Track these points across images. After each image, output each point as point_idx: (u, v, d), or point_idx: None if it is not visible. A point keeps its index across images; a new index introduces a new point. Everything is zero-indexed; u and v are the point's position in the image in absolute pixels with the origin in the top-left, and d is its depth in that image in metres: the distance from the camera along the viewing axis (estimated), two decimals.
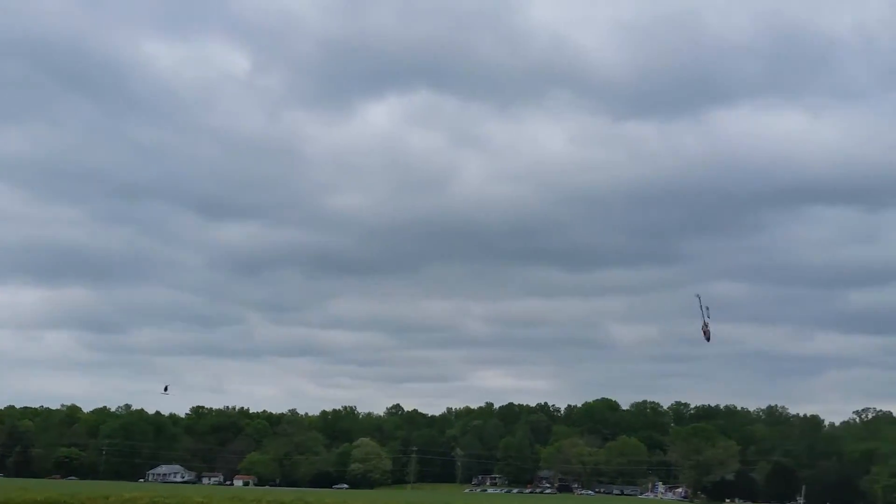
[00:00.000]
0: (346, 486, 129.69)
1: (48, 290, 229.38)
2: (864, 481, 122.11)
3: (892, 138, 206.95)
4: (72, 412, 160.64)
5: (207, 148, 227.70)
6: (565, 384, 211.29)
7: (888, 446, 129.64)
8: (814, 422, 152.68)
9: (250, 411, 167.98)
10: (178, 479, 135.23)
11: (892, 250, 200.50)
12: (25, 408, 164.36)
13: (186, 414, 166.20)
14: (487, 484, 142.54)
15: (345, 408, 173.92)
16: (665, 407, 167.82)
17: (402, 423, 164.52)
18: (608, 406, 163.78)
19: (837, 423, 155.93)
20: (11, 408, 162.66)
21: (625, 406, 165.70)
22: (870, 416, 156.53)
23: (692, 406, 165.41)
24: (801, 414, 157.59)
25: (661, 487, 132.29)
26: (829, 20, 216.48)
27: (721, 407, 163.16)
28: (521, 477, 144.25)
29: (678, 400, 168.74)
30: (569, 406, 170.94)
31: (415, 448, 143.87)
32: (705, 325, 31.41)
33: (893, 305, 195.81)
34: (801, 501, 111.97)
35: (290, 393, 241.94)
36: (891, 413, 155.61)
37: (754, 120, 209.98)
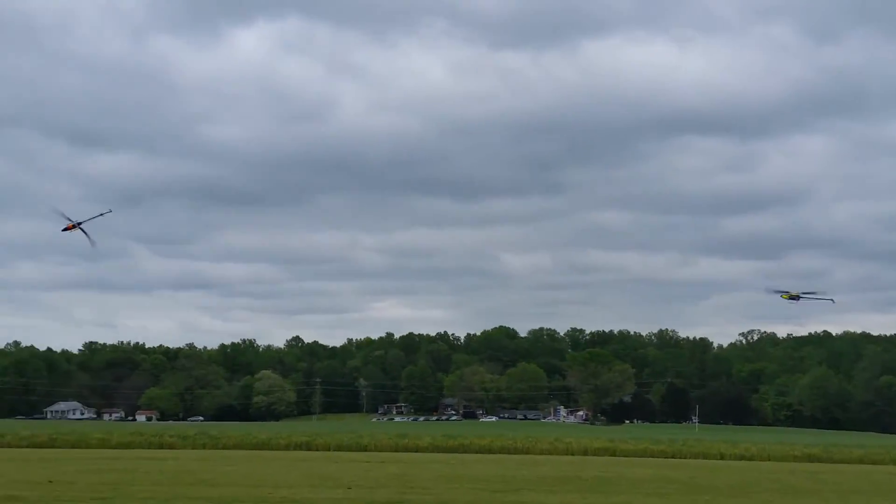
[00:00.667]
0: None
1: None
2: (753, 399, 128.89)
3: (755, 69, 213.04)
4: None
5: (70, 75, 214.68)
6: (462, 313, 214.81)
7: (773, 366, 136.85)
8: (703, 344, 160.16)
9: (146, 346, 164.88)
10: (77, 415, 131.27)
11: (764, 178, 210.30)
12: None
13: (79, 350, 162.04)
14: (394, 413, 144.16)
15: (244, 341, 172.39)
16: (561, 333, 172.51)
17: (302, 354, 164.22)
18: (506, 334, 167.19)
19: (725, 345, 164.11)
20: None
21: (522, 333, 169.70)
22: (755, 337, 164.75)
23: (587, 332, 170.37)
24: (690, 337, 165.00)
25: (562, 411, 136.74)
26: None
27: (615, 332, 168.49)
28: (426, 405, 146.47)
29: (573, 326, 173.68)
30: (468, 335, 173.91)
31: (318, 380, 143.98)
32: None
33: (769, 231, 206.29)
34: (695, 420, 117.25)
35: (185, 327, 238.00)
36: (774, 334, 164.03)
37: (625, 51, 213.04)
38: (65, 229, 34.11)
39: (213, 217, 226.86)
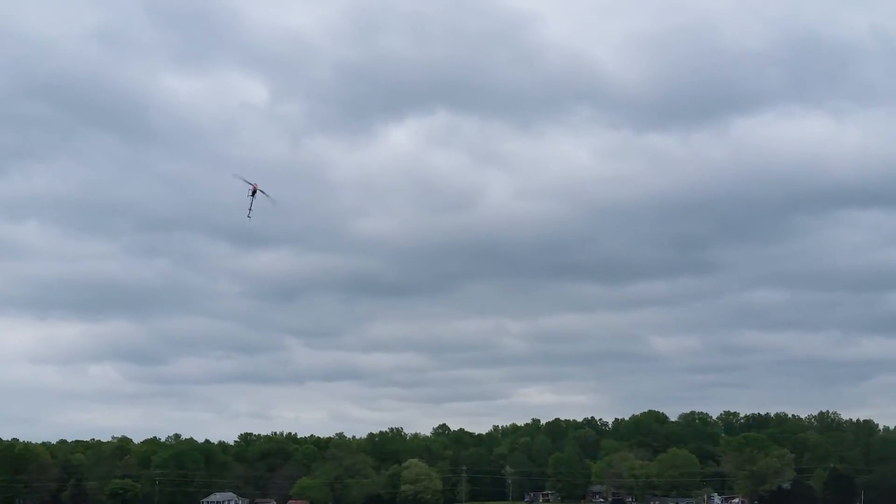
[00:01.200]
0: None
1: (88, 325, 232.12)
2: None
3: None
4: (122, 444, 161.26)
5: (232, 178, 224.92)
6: (609, 398, 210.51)
7: None
8: (867, 427, 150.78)
9: (298, 436, 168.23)
10: None
11: None
12: (77, 441, 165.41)
13: (235, 441, 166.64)
14: (540, 501, 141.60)
15: (391, 429, 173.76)
16: (714, 417, 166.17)
17: (449, 442, 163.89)
18: (656, 418, 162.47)
19: (892, 428, 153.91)
20: (63, 442, 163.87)
21: (673, 418, 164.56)
22: None
23: (742, 415, 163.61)
24: (854, 419, 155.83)
25: (716, 499, 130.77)
26: (845, 24, 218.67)
27: (771, 415, 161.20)
28: (574, 492, 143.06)
29: (727, 409, 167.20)
30: (616, 420, 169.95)
31: (464, 467, 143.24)
32: None
33: None
34: None
35: (335, 417, 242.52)
36: None
37: (777, 126, 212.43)
38: (252, 193, 38.83)
39: (362, 308, 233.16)
